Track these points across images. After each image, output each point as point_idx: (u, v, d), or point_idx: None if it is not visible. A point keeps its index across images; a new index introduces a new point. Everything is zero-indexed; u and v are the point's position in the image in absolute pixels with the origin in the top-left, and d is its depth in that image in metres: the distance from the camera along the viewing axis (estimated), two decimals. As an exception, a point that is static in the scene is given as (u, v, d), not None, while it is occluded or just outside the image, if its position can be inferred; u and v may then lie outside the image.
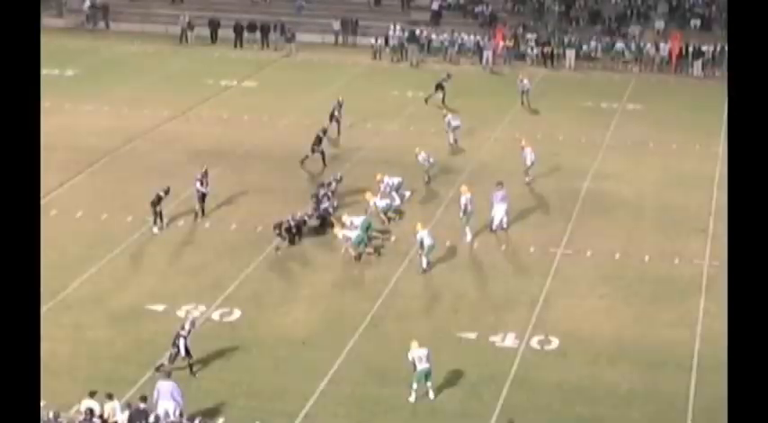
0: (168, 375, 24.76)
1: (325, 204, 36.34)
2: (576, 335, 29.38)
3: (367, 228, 34.47)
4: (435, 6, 66.40)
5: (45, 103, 48.08)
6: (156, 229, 35.70)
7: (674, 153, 44.22)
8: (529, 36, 61.89)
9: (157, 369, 26.10)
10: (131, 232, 35.71)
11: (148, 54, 61.69)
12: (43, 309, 29.74)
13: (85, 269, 32.90)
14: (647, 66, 59.65)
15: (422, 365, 25.92)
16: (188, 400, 24.81)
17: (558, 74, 58.44)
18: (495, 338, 29.09)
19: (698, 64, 58.67)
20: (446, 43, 61.68)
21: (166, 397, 24.24)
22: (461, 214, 35.21)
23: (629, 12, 64.64)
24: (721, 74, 55.75)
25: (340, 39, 65.36)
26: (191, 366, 26.98)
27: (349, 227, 34.30)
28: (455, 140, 44.74)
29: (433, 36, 62.58)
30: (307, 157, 41.90)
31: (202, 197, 36.87)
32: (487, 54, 59.75)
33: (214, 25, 64.60)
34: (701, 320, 30.14)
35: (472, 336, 29.18)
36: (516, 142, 42.36)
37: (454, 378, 26.98)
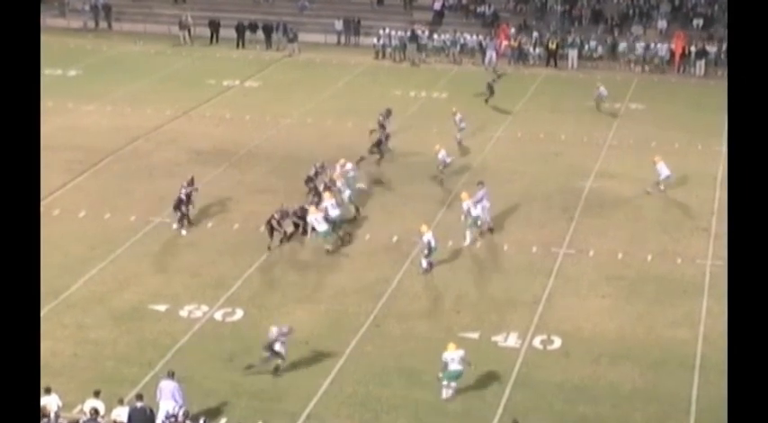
0: (172, 376, 24.74)
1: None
2: (578, 335, 29.37)
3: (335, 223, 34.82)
4: (438, 6, 66.39)
5: (48, 103, 48.45)
6: (183, 231, 35.55)
7: (677, 152, 44.17)
8: (533, 34, 61.98)
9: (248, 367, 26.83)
10: (134, 232, 35.73)
11: (151, 54, 61.76)
12: (46, 309, 29.94)
13: (88, 269, 32.92)
14: (650, 65, 59.64)
15: (453, 367, 25.93)
16: (191, 400, 24.79)
17: (560, 73, 58.42)
18: (498, 338, 29.09)
19: (700, 63, 58.63)
20: (448, 43, 61.67)
21: (168, 397, 24.27)
22: (463, 218, 35.21)
23: (631, 11, 64.61)
24: (724, 73, 55.73)
25: (342, 39, 65.38)
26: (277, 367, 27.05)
27: (324, 214, 34.41)
28: (459, 141, 44.67)
29: (435, 36, 62.60)
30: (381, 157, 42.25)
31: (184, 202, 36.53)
32: (491, 54, 59.70)
33: (215, 26, 64.62)
34: (704, 320, 30.13)
35: (474, 336, 29.17)
36: (516, 142, 42.41)
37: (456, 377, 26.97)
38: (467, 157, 43.48)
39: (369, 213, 37.55)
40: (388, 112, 45.26)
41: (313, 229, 34.39)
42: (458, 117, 44.76)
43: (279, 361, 26.94)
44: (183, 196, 35.63)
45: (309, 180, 38.09)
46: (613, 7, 65.08)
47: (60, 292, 31.22)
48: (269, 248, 34.39)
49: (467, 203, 35.15)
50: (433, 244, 32.86)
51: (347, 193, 37.17)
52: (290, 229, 35.17)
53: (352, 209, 37.22)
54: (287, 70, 58.95)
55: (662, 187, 39.70)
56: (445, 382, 26.10)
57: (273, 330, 26.88)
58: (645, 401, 26.22)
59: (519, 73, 58.68)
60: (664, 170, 39.63)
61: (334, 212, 34.99)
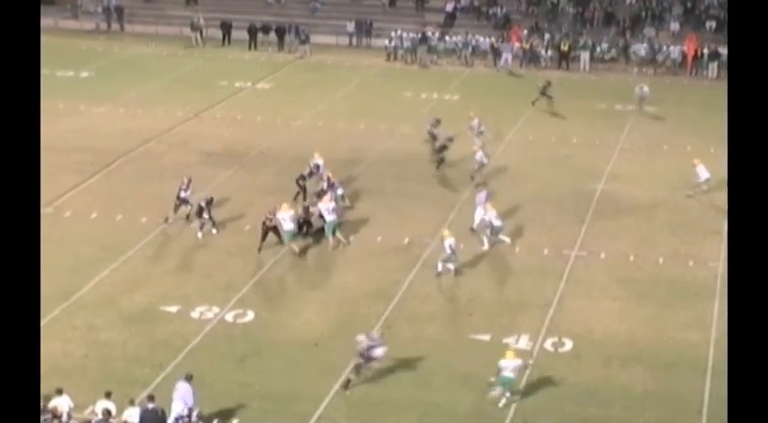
0: (188, 379, 24.67)
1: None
2: (589, 337, 29.32)
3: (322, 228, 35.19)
4: (449, 8, 66.36)
5: (59, 105, 48.75)
6: (199, 234, 35.58)
7: (689, 155, 43.90)
8: (545, 36, 61.91)
9: (345, 386, 26.49)
10: (145, 233, 35.76)
11: (163, 55, 61.85)
12: (57, 310, 30.06)
13: (99, 270, 32.95)
14: (662, 68, 59.50)
15: (504, 373, 25.85)
16: (202, 402, 24.76)
17: (572, 76, 58.35)
18: (509, 340, 28.99)
19: (713, 66, 58.51)
20: (460, 45, 61.60)
21: (178, 398, 24.31)
22: (488, 226, 35.11)
23: (643, 13, 64.52)
24: (736, 76, 55.51)
25: (354, 40, 65.40)
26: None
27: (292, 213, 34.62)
28: (482, 147, 44.29)
29: (447, 38, 62.54)
30: (441, 161, 42.08)
31: (185, 203, 36.61)
32: (507, 56, 59.66)
33: (227, 27, 64.68)
34: (715, 323, 30.03)
35: (486, 338, 29.13)
36: (527, 145, 42.26)
37: (467, 380, 26.92)
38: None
39: (380, 215, 37.54)
40: (437, 122, 44.64)
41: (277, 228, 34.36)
42: (475, 122, 44.44)
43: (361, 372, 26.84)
44: (204, 203, 35.64)
45: (302, 178, 38.28)
46: (625, 9, 64.99)
47: (71, 294, 31.25)
48: (258, 250, 34.37)
49: (490, 214, 34.92)
50: (453, 249, 32.72)
51: (339, 190, 37.33)
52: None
53: (348, 203, 37.60)
54: (299, 72, 58.98)
55: (704, 188, 39.39)
56: (497, 390, 25.97)
57: (363, 340, 26.66)
58: (656, 404, 26.16)
59: (530, 75, 58.56)
60: (703, 173, 39.44)
61: (330, 217, 34.98)
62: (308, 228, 35.49)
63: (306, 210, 35.69)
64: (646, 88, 50.71)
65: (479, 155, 40.58)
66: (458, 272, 33.00)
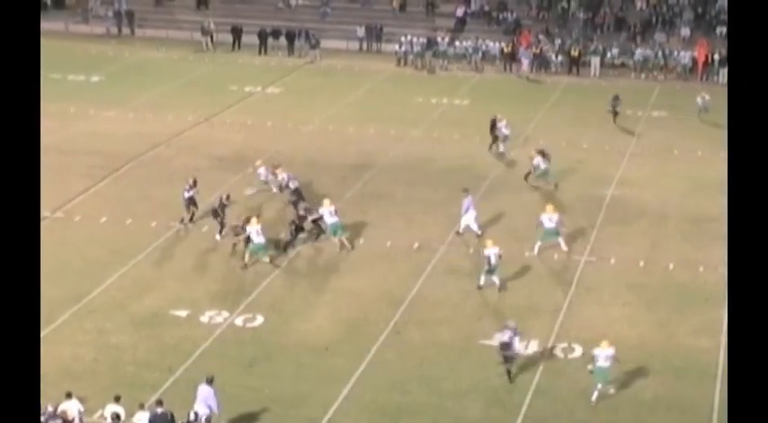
0: (209, 382, 24.65)
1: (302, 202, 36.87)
2: (599, 342, 29.19)
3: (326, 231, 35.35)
4: (460, 13, 66.34)
5: (70, 109, 48.92)
6: (217, 236, 35.59)
7: (699, 160, 44.03)
8: (555, 41, 61.85)
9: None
10: (155, 238, 35.79)
11: (173, 60, 61.94)
12: (67, 314, 30.14)
13: (109, 274, 32.98)
14: (672, 73, 59.41)
15: (599, 363, 26.07)
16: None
17: (582, 81, 58.27)
18: (519, 346, 28.97)
19: (723, 71, 58.35)
20: (470, 50, 61.51)
21: (201, 401, 24.37)
22: (537, 227, 35.03)
23: (654, 19, 64.45)
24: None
25: (364, 45, 65.41)
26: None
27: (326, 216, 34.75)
28: (503, 152, 44.22)
29: (457, 43, 62.49)
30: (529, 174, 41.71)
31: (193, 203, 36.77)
32: (526, 62, 59.62)
33: (237, 32, 64.74)
34: (726, 329, 29.93)
35: (495, 343, 29.05)
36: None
37: (477, 385, 26.91)
38: (489, 165, 43.33)
39: (389, 219, 37.54)
40: (498, 119, 44.54)
41: (249, 239, 34.09)
42: (503, 123, 44.23)
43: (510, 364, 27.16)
44: (225, 200, 35.75)
45: (292, 192, 38.32)
46: (636, 15, 64.93)
47: (81, 298, 31.30)
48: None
49: (545, 216, 34.81)
50: (492, 261, 32.39)
51: (293, 185, 37.90)
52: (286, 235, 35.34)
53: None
54: (309, 77, 59.01)
55: None
56: (599, 386, 26.19)
57: (501, 334, 27.11)
58: (666, 410, 26.10)
59: (541, 80, 58.55)
60: None
61: (331, 220, 34.95)
62: (298, 234, 35.40)
63: (301, 218, 35.58)
64: (707, 97, 50.38)
65: (537, 160, 40.50)
66: (502, 286, 32.53)
